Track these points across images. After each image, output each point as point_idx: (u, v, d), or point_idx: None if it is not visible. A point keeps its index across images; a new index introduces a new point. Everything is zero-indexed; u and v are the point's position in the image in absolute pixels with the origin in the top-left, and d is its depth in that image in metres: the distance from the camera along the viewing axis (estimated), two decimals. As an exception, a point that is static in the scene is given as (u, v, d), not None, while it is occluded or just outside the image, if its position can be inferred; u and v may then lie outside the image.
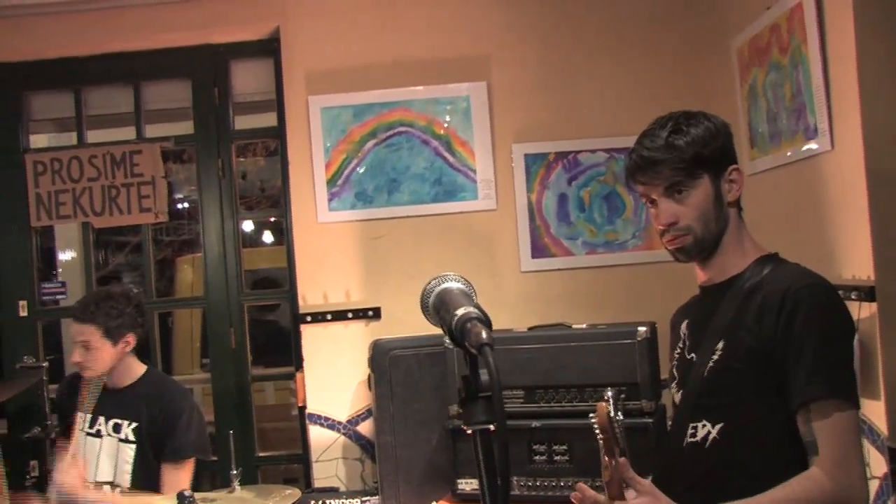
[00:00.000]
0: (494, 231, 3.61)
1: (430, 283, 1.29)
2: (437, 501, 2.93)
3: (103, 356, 2.87)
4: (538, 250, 3.58)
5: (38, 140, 4.11)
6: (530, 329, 2.98)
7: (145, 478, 2.83)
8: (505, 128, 3.60)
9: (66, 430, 3.03)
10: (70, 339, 2.95)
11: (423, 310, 1.29)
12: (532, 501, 2.74)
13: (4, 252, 3.88)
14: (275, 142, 3.91)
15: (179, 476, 2.80)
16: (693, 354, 1.81)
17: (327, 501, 3.07)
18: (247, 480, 3.27)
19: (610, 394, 1.71)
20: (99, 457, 2.82)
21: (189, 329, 5.54)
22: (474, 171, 3.59)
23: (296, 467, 3.99)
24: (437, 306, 1.25)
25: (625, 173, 2.01)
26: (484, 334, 1.11)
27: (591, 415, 1.62)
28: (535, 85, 3.60)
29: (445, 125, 3.60)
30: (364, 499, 3.08)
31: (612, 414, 1.59)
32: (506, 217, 3.59)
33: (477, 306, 1.18)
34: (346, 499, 3.13)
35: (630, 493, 1.58)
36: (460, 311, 1.16)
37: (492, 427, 1.12)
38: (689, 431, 1.77)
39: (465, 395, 1.17)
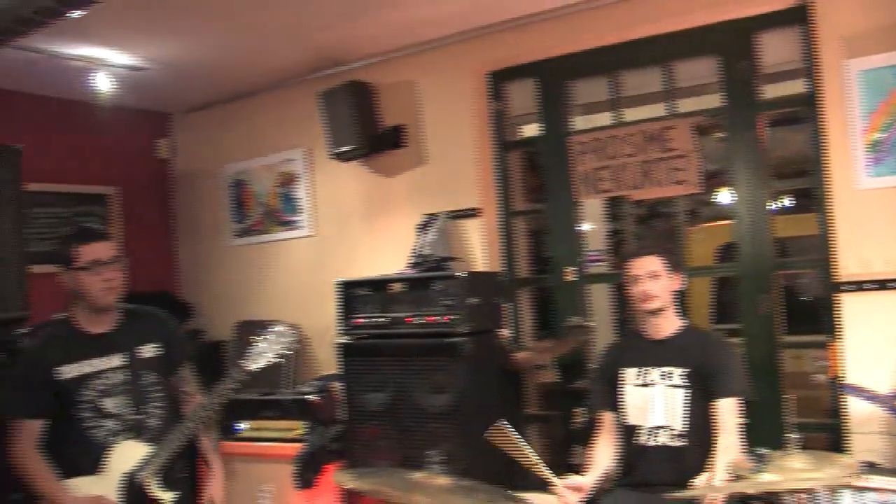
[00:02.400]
0: None
1: None
2: None
3: (668, 285, 3.23)
4: None
5: (575, 123, 4.78)
6: None
7: (695, 418, 3.18)
8: None
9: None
10: (631, 277, 3.34)
11: None
12: None
13: (555, 224, 4.62)
14: (799, 109, 4.02)
15: (733, 412, 3.10)
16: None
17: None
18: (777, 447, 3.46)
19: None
20: (653, 403, 3.27)
21: (699, 294, 5.89)
22: None
23: (819, 437, 4.06)
24: None
25: None
26: None
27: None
28: None
29: None
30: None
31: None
32: None
33: None
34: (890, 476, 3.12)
35: None
36: None
37: None
38: None
39: None
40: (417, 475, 2.54)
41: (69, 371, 2.78)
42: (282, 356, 2.98)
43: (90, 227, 2.86)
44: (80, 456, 2.77)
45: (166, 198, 6.35)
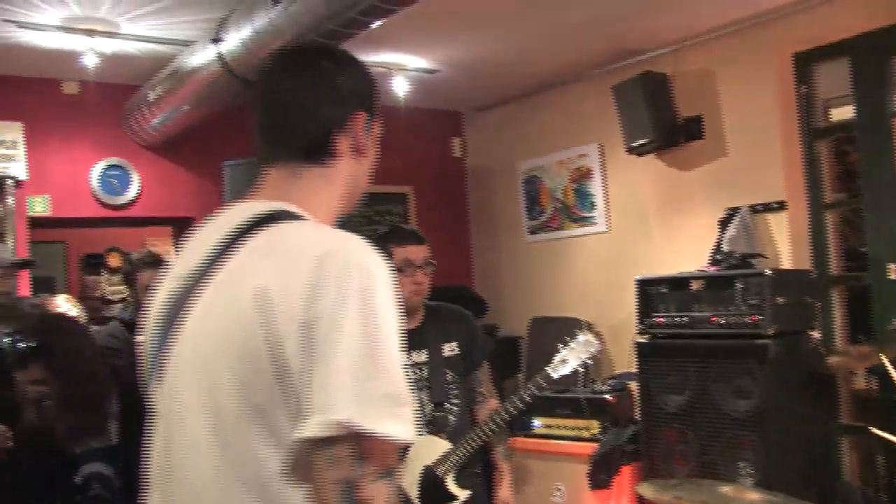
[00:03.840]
0: None
1: None
2: None
3: None
4: None
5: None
6: None
7: None
8: None
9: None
10: None
11: None
12: None
13: (874, 216, 4.27)
14: None
15: None
16: None
17: None
18: None
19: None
20: None
21: None
22: None
23: None
24: None
25: None
26: None
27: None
28: None
29: None
30: None
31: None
32: None
33: None
34: None
35: None
36: None
37: None
38: None
39: None
40: (726, 489, 2.46)
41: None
42: (585, 366, 3.04)
43: (407, 229, 3.04)
44: None
45: (460, 195, 6.68)
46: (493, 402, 3.13)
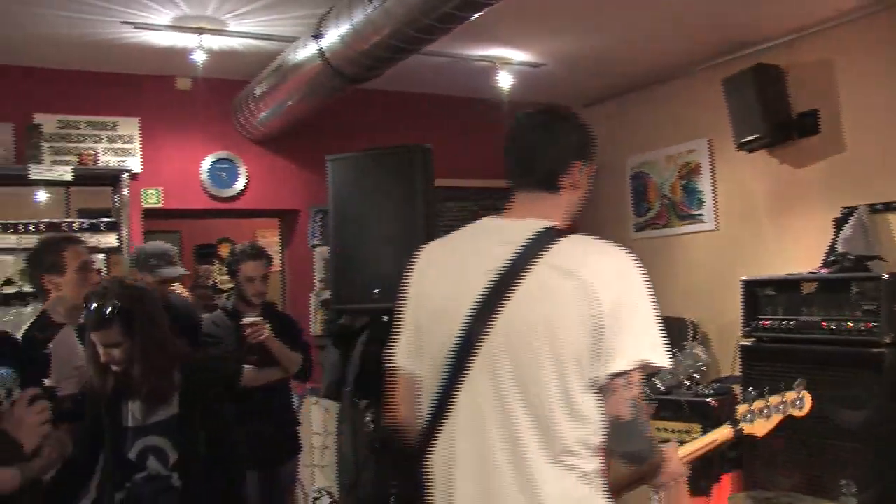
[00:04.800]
0: None
1: None
2: None
3: None
4: None
5: None
6: None
7: None
8: None
9: None
10: None
11: None
12: None
13: None
14: None
15: None
16: None
17: None
18: None
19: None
20: None
21: None
22: None
23: None
24: None
25: None
26: None
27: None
28: None
29: None
30: None
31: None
32: None
33: None
34: None
35: None
36: None
37: None
38: None
39: None
40: None
41: None
42: (691, 379, 2.97)
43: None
44: None
45: (567, 191, 6.59)
46: None
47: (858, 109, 4.47)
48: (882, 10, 4.28)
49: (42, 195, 4.87)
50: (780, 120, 4.67)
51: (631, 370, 1.71)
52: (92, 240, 4.50)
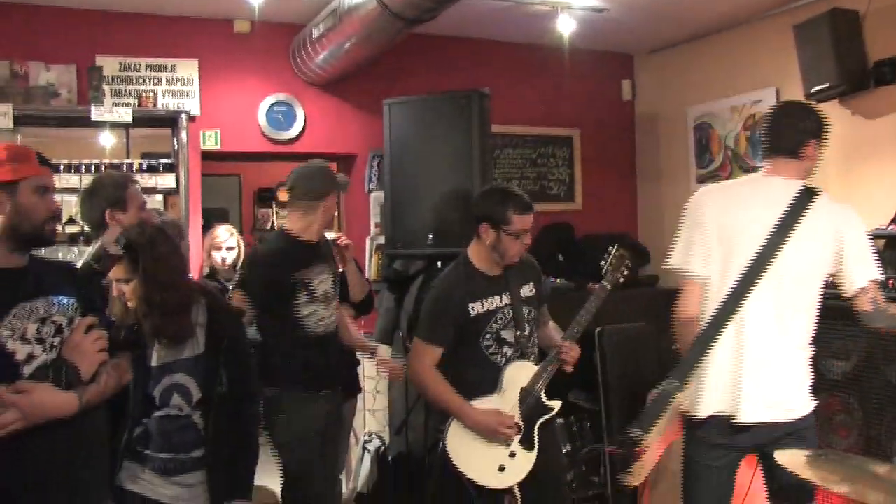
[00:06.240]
0: None
1: None
2: None
3: None
4: None
5: None
6: None
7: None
8: None
9: None
10: None
11: None
12: None
13: None
14: None
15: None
16: None
17: None
18: None
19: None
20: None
21: None
22: None
23: None
24: None
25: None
26: None
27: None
28: None
29: None
30: None
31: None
32: None
33: None
34: None
35: None
36: None
37: None
38: None
39: None
40: (880, 469, 2.26)
41: (479, 307, 3.19)
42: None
43: (525, 199, 3.12)
44: (483, 379, 3.18)
45: (628, 140, 6.48)
46: (552, 324, 3.53)
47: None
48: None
49: (104, 137, 4.94)
50: (855, 69, 4.49)
51: (868, 286, 2.61)
52: (151, 181, 4.57)
